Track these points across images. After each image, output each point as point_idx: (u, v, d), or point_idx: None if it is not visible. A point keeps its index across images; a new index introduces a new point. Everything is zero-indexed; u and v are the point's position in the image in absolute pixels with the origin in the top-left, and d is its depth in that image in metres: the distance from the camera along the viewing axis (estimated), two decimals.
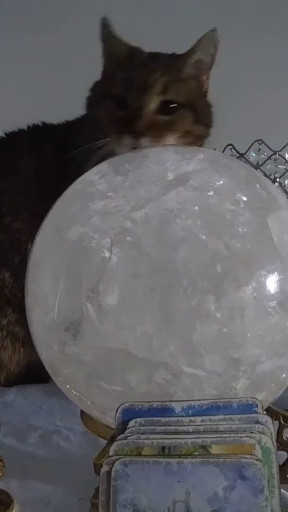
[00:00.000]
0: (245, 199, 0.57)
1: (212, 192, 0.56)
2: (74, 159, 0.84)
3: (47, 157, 0.97)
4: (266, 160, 1.06)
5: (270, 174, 1.05)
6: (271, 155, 1.06)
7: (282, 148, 1.06)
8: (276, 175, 1.07)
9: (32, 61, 1.32)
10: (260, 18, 1.32)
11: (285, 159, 1.06)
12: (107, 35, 0.89)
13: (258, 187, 0.59)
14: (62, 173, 0.84)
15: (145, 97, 0.82)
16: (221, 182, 0.57)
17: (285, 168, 1.07)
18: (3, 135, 1.04)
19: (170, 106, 0.84)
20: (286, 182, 1.08)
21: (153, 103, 0.83)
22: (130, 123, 0.81)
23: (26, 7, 1.32)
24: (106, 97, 0.87)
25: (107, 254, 0.54)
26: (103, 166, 0.62)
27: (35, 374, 0.94)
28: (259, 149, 1.07)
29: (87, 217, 0.56)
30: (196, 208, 0.55)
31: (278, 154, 1.06)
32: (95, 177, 0.60)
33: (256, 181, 0.60)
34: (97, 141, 0.83)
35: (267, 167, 1.06)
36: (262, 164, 1.06)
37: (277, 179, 1.06)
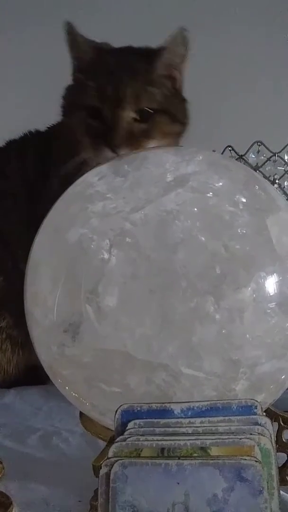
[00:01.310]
0: (244, 200, 0.57)
1: (211, 193, 0.56)
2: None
3: (30, 160, 0.98)
4: (266, 161, 1.06)
5: (270, 176, 1.06)
6: (270, 157, 1.06)
7: (282, 150, 1.06)
8: (275, 177, 1.07)
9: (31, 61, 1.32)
10: (259, 19, 1.32)
11: (284, 160, 1.06)
12: (72, 39, 0.88)
13: (257, 188, 0.59)
14: (43, 176, 0.85)
15: (119, 109, 0.82)
16: (220, 184, 0.57)
17: (284, 170, 1.07)
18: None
19: (146, 112, 0.84)
20: (285, 183, 1.08)
21: (128, 115, 0.82)
22: (107, 135, 0.82)
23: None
24: (79, 106, 0.87)
25: (106, 256, 0.54)
26: (102, 168, 0.62)
27: (33, 376, 0.94)
28: (259, 150, 1.07)
29: (86, 218, 0.56)
30: (195, 209, 0.55)
31: (278, 155, 1.06)
32: (94, 179, 0.60)
33: (255, 183, 0.61)
34: (71, 151, 0.83)
35: (267, 168, 1.06)
36: (262, 165, 1.06)
37: (277, 181, 1.07)
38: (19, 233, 0.92)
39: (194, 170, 0.58)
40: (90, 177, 0.61)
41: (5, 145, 1.05)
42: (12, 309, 0.93)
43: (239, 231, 0.55)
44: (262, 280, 0.54)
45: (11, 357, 0.97)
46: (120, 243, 0.54)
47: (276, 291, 0.54)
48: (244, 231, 0.55)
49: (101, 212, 0.56)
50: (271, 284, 0.54)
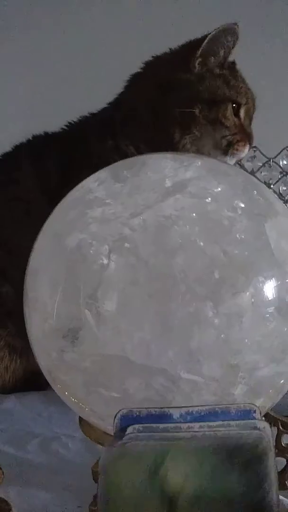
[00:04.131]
0: (242, 205, 0.57)
1: (209, 198, 0.56)
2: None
3: (50, 163, 0.95)
4: (261, 167, 1.07)
5: (265, 181, 1.06)
6: (265, 162, 1.07)
7: (277, 155, 1.07)
8: (270, 182, 1.08)
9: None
10: (258, 21, 1.32)
11: (279, 166, 1.07)
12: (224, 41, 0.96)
13: (255, 193, 0.60)
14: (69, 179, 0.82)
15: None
16: (219, 189, 0.58)
17: (279, 175, 1.08)
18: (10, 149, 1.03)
19: None
20: (280, 188, 1.09)
21: None
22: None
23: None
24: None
25: (105, 261, 0.54)
26: (101, 173, 0.62)
27: (32, 382, 0.94)
28: (254, 156, 1.08)
29: (85, 224, 0.57)
30: (194, 214, 0.55)
31: (273, 161, 1.06)
32: (93, 184, 0.60)
33: (254, 188, 0.61)
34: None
35: (262, 174, 1.07)
36: (257, 171, 1.07)
37: (271, 186, 1.07)
38: (32, 243, 0.89)
39: (192, 176, 0.58)
40: (89, 182, 0.62)
41: (12, 150, 1.02)
42: (17, 318, 0.92)
43: (237, 236, 0.55)
44: (261, 284, 0.54)
45: (9, 364, 0.97)
46: (119, 248, 0.54)
47: (274, 296, 0.55)
48: (243, 236, 0.55)
49: (100, 218, 0.56)
50: (269, 289, 0.54)
